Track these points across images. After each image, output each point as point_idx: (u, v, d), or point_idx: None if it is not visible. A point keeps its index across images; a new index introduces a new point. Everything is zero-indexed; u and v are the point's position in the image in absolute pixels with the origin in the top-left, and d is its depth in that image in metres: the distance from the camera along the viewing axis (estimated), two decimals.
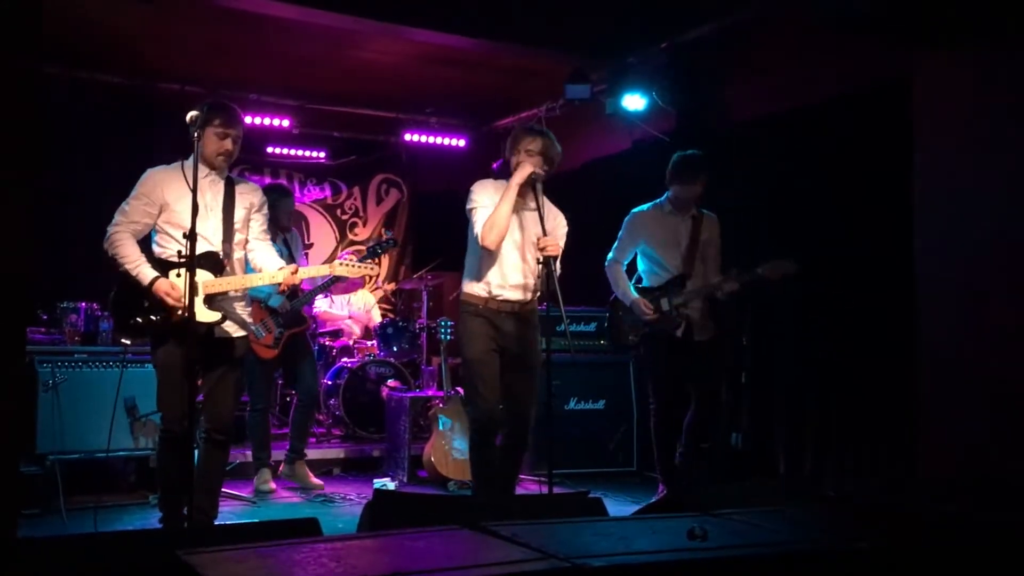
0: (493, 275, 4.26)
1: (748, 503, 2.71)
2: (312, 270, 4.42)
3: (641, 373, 5.22)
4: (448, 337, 6.15)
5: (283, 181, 8.35)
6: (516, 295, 4.30)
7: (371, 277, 7.89)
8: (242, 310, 4.14)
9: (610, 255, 5.17)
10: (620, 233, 5.17)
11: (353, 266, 4.27)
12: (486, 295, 4.27)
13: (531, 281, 4.32)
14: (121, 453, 5.20)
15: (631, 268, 5.24)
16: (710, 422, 5.17)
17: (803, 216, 5.46)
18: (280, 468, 5.87)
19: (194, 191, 3.59)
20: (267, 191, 6.23)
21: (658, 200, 5.14)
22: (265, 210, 4.27)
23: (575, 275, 4.77)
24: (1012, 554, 2.23)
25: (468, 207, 4.27)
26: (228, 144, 3.98)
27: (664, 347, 5.00)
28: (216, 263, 3.97)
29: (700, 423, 5.06)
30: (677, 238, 5.07)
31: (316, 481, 5.81)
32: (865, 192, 5.16)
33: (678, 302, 4.99)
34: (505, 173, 4.33)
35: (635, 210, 5.17)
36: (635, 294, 5.02)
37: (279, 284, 4.05)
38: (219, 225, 4.01)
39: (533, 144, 4.24)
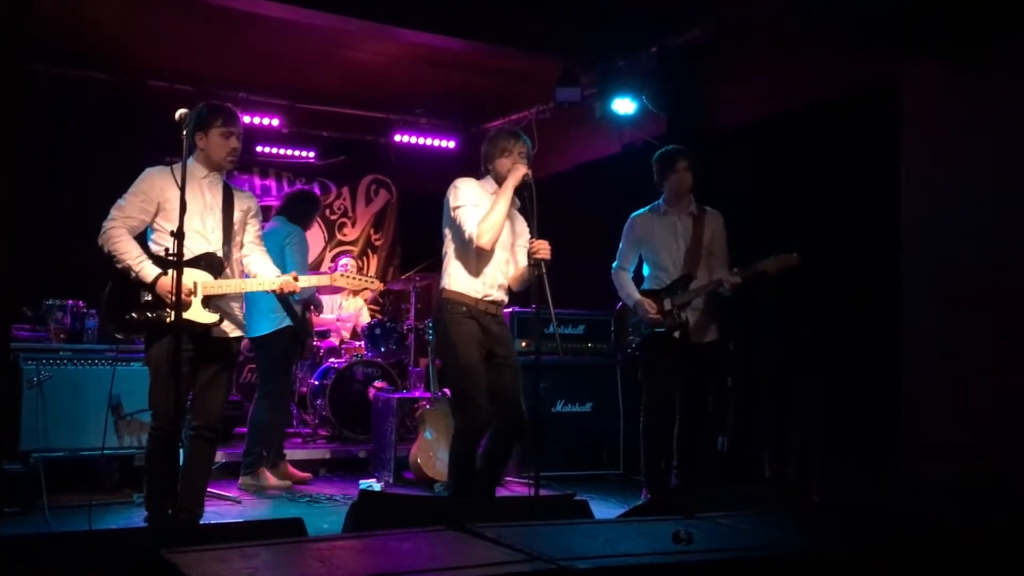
0: (484, 275, 4.22)
1: (733, 506, 2.72)
2: (314, 279, 4.39)
3: (639, 375, 5.14)
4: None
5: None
6: (500, 295, 4.29)
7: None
8: (239, 311, 4.13)
9: (615, 263, 5.17)
10: (621, 241, 5.16)
11: (353, 278, 4.22)
12: (479, 296, 4.21)
13: (506, 282, 4.33)
14: (106, 451, 5.16)
15: (638, 276, 5.19)
16: (698, 436, 5.08)
17: (789, 220, 5.48)
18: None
19: (182, 189, 3.56)
20: (301, 197, 6.29)
21: (655, 203, 5.14)
22: (260, 217, 4.28)
23: (564, 277, 4.77)
24: (994, 556, 2.25)
25: (454, 205, 4.18)
26: (234, 142, 4.01)
27: (664, 349, 4.95)
28: (216, 264, 3.96)
29: (689, 437, 5.00)
30: (674, 237, 5.04)
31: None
32: (852, 197, 5.18)
33: (680, 301, 4.93)
34: (488, 175, 4.32)
35: (632, 215, 5.16)
36: (638, 295, 5.01)
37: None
38: (218, 226, 4.01)
39: (518, 146, 4.23)
